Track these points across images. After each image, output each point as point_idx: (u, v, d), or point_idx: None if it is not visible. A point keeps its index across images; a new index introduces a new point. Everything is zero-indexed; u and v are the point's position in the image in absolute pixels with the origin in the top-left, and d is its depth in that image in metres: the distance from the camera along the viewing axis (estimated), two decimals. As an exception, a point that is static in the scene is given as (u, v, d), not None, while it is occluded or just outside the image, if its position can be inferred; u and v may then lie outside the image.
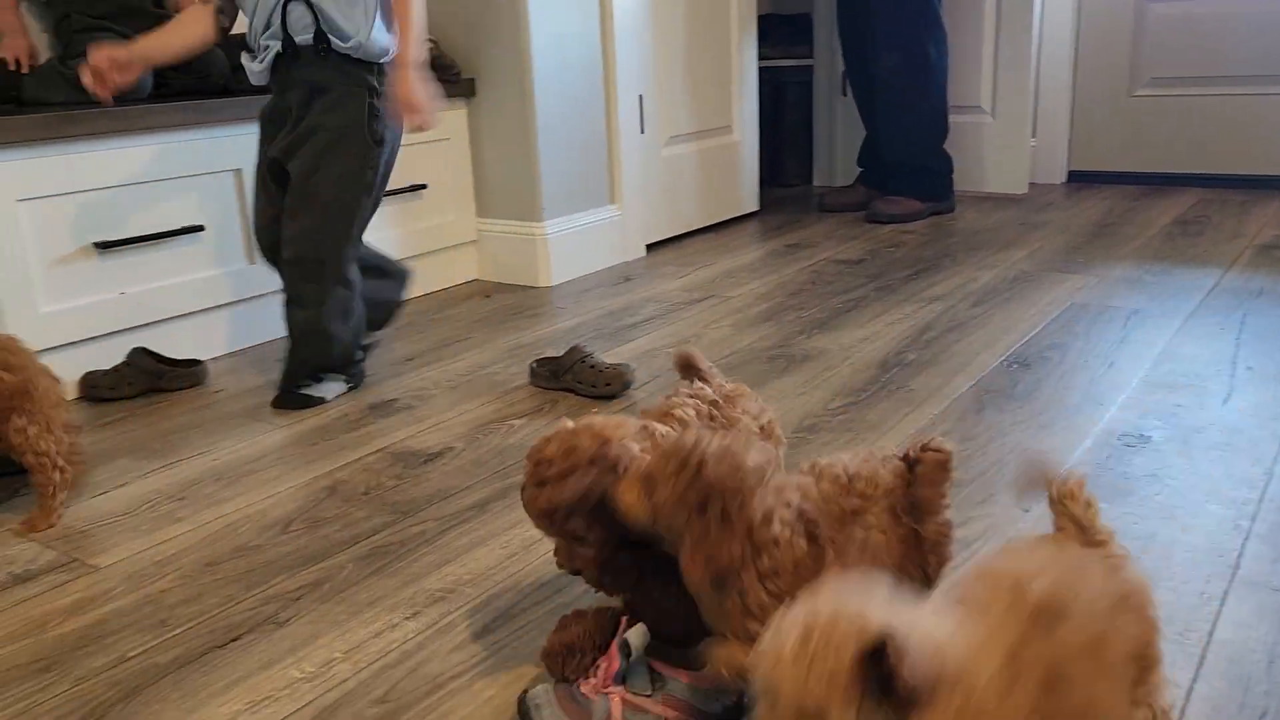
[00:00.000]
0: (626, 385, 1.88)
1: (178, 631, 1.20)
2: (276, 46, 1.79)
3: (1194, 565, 1.24)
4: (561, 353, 1.96)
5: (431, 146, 2.63)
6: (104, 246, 2.00)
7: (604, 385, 1.87)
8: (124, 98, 2.09)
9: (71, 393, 1.98)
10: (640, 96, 2.91)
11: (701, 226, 3.30)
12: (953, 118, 3.45)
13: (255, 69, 1.84)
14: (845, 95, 3.83)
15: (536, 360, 1.97)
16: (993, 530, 1.35)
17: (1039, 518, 1.37)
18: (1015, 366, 1.96)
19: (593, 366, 1.88)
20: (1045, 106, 3.80)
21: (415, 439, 1.74)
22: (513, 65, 2.62)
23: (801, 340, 2.17)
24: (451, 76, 2.64)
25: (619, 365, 1.89)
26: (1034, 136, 3.79)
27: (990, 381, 1.89)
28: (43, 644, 1.18)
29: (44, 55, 2.24)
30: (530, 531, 1.40)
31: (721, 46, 3.26)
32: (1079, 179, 3.87)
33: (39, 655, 1.16)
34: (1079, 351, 2.02)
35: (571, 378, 1.89)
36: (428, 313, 2.51)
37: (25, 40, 2.20)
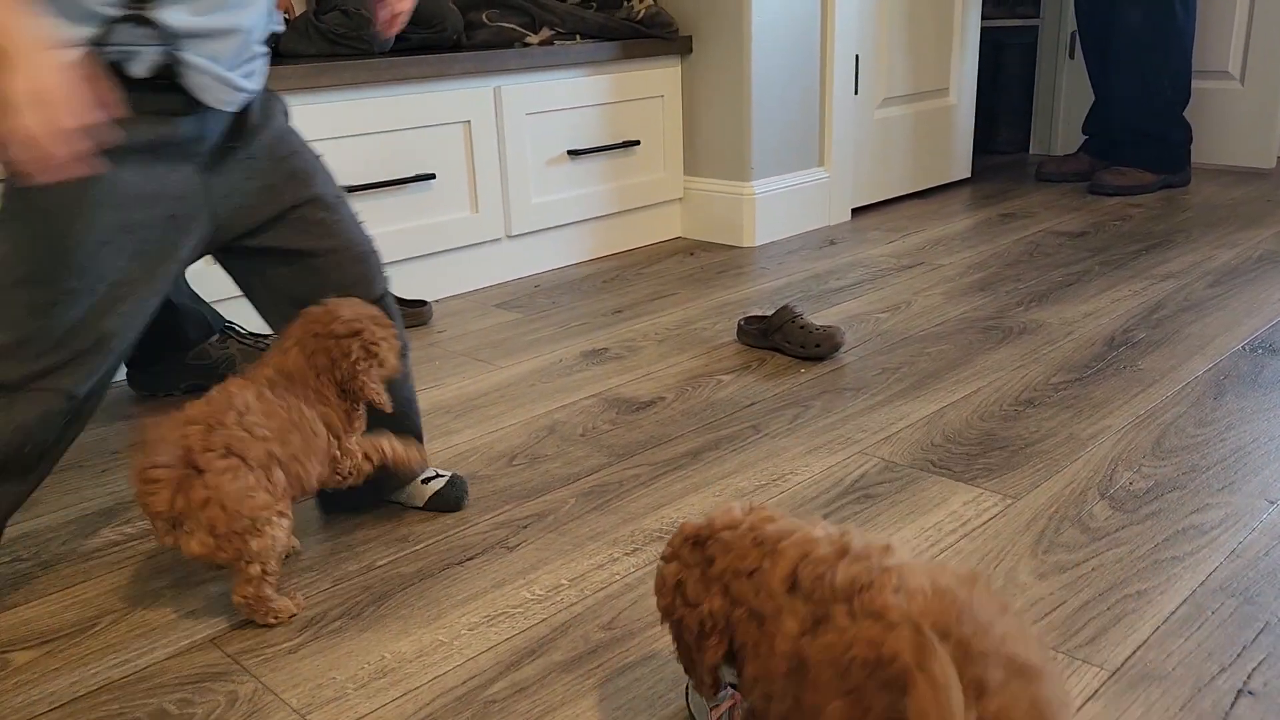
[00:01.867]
0: (837, 347, 1.87)
1: (419, 547, 1.30)
2: None
3: None
4: (770, 312, 1.97)
5: (645, 103, 2.67)
6: (348, 191, 2.15)
7: (814, 346, 1.87)
8: (369, 52, 2.24)
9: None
10: (857, 56, 2.85)
11: (910, 192, 3.21)
12: (1196, 83, 3.20)
13: None
14: (1072, 58, 3.62)
15: (744, 318, 1.99)
16: (1231, 519, 1.27)
17: (1289, 511, 1.28)
18: (1260, 352, 1.82)
19: (803, 327, 1.89)
20: (1302, 73, 3.46)
21: (627, 387, 1.79)
22: (731, 23, 2.62)
23: (1019, 312, 2.10)
24: (669, 33, 2.67)
25: (830, 326, 1.89)
26: (1286, 106, 3.47)
27: (1230, 366, 1.77)
28: (305, 547, 1.30)
29: (299, 9, 2.41)
30: (743, 482, 1.43)
31: (944, 6, 3.14)
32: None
33: (304, 555, 1.28)
34: (1335, 339, 1.86)
35: (781, 336, 1.90)
36: (634, 267, 2.56)
37: (284, -5, 2.38)
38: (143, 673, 1.07)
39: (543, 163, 2.49)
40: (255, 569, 1.10)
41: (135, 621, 1.16)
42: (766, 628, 0.74)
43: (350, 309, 1.19)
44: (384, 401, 1.20)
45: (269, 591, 1.12)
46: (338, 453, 1.19)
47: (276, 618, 1.13)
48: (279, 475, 1.10)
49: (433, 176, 2.28)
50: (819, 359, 1.88)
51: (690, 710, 0.96)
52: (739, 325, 1.99)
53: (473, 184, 2.36)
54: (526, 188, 2.46)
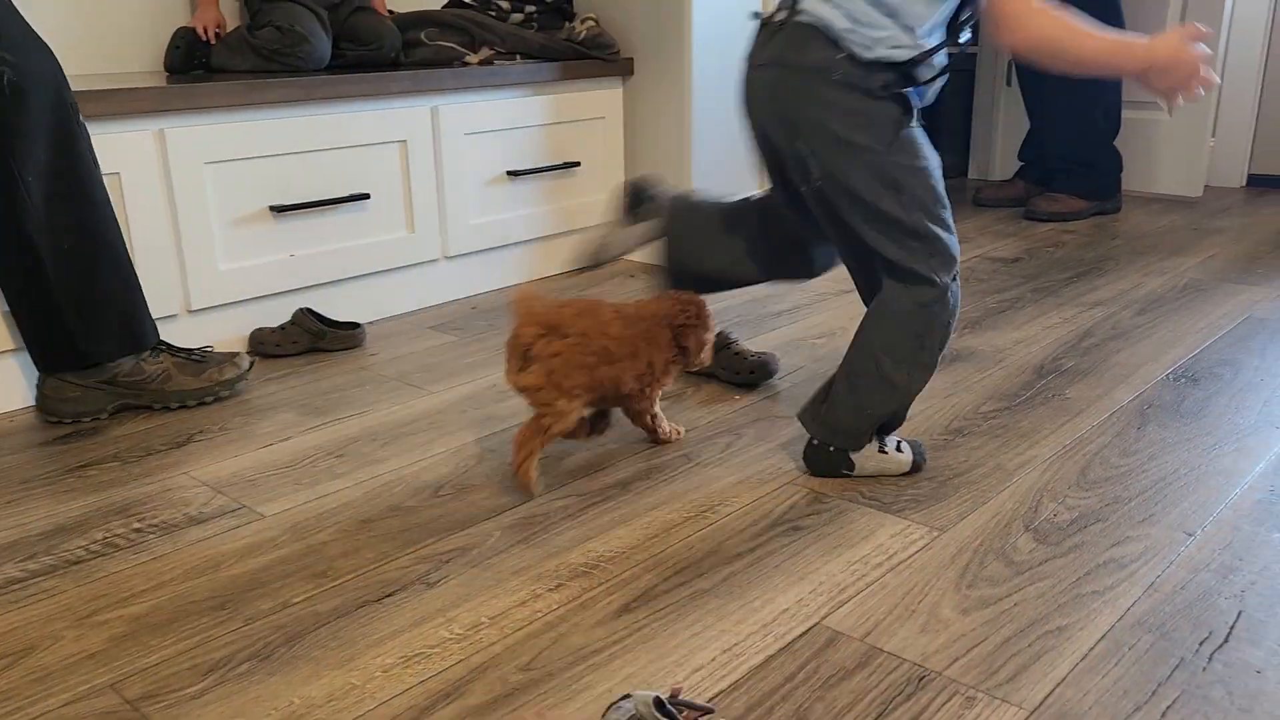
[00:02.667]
0: (770, 375, 1.87)
1: (337, 583, 1.26)
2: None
3: (1380, 610, 1.16)
4: (706, 337, 1.97)
5: (586, 125, 2.66)
6: (279, 210, 2.10)
7: (748, 373, 1.86)
8: (301, 69, 2.20)
9: (240, 347, 2.10)
10: (796, 81, 2.87)
11: (849, 216, 3.23)
12: (1126, 113, 3.28)
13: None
14: (1010, 85, 3.68)
15: None
16: (1150, 552, 1.29)
17: (1202, 542, 1.30)
18: (1183, 381, 1.86)
19: (737, 353, 1.88)
20: (1228, 104, 3.57)
21: (560, 414, 1.77)
22: (672, 45, 2.62)
23: (953, 339, 2.11)
24: (610, 55, 2.67)
25: (764, 354, 1.89)
26: (1213, 136, 3.57)
27: (1154, 395, 1.80)
28: (216, 583, 1.26)
29: (231, 25, 2.36)
30: (670, 514, 1.42)
31: (882, 32, 3.18)
32: (1261, 183, 3.62)
33: (214, 593, 1.24)
34: (1254, 369, 1.90)
35: (715, 363, 1.90)
36: (574, 289, 2.55)
37: (215, 12, 2.33)
38: (36, 721, 1.02)
39: (481, 183, 2.47)
40: (548, 421, 1.45)
41: (31, 666, 1.11)
42: None
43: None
44: (701, 359, 1.59)
45: (538, 448, 1.46)
46: (644, 389, 1.55)
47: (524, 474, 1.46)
48: (602, 373, 1.47)
49: (367, 196, 2.25)
50: (752, 386, 1.87)
51: None
52: None
53: (409, 204, 2.33)
54: (465, 208, 2.44)
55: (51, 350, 1.73)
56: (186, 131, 1.95)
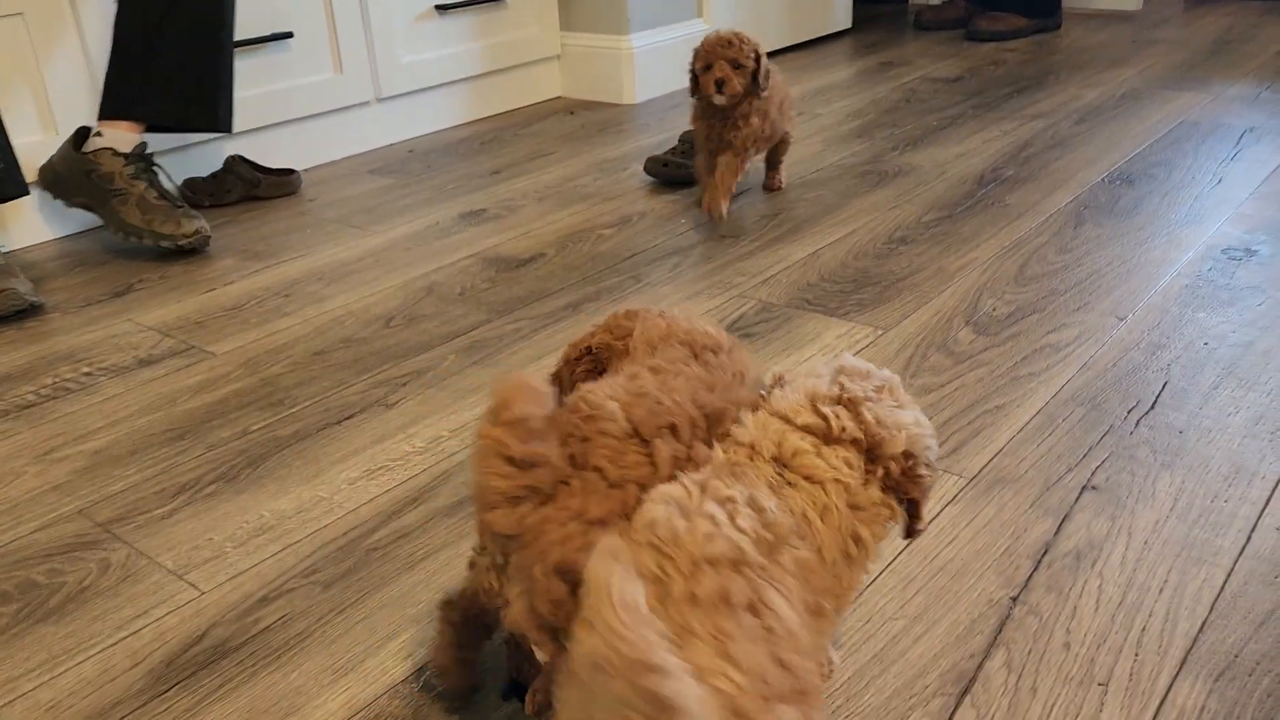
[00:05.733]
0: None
1: (294, 410, 1.27)
2: None
3: (1294, 372, 1.23)
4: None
5: (515, -46, 2.55)
6: (198, 52, 2.01)
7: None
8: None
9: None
10: (731, -100, 2.76)
11: (791, 44, 3.18)
12: (1065, -76, 3.21)
13: None
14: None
15: (649, 158, 2.05)
16: (1085, 336, 1.34)
17: (1132, 325, 1.36)
18: (1118, 183, 1.89)
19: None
20: (1168, -87, 3.50)
21: (506, 245, 1.77)
22: None
23: (894, 157, 2.12)
24: (535, -123, 2.53)
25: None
26: (1152, -53, 3.52)
27: (1091, 197, 1.83)
28: (173, 416, 1.27)
29: None
30: (623, 329, 1.44)
31: None
32: (1198, -5, 3.60)
33: (172, 425, 1.25)
34: (1187, 169, 1.94)
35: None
36: (512, 128, 2.49)
37: None
38: (7, 549, 1.04)
39: (409, 19, 2.37)
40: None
41: (-4, 500, 1.12)
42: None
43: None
44: None
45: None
46: None
47: None
48: None
49: (290, 35, 2.15)
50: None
51: None
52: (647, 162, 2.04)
53: (335, 43, 2.24)
54: (393, 46, 2.35)
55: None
56: (90, -32, 1.84)
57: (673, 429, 0.68)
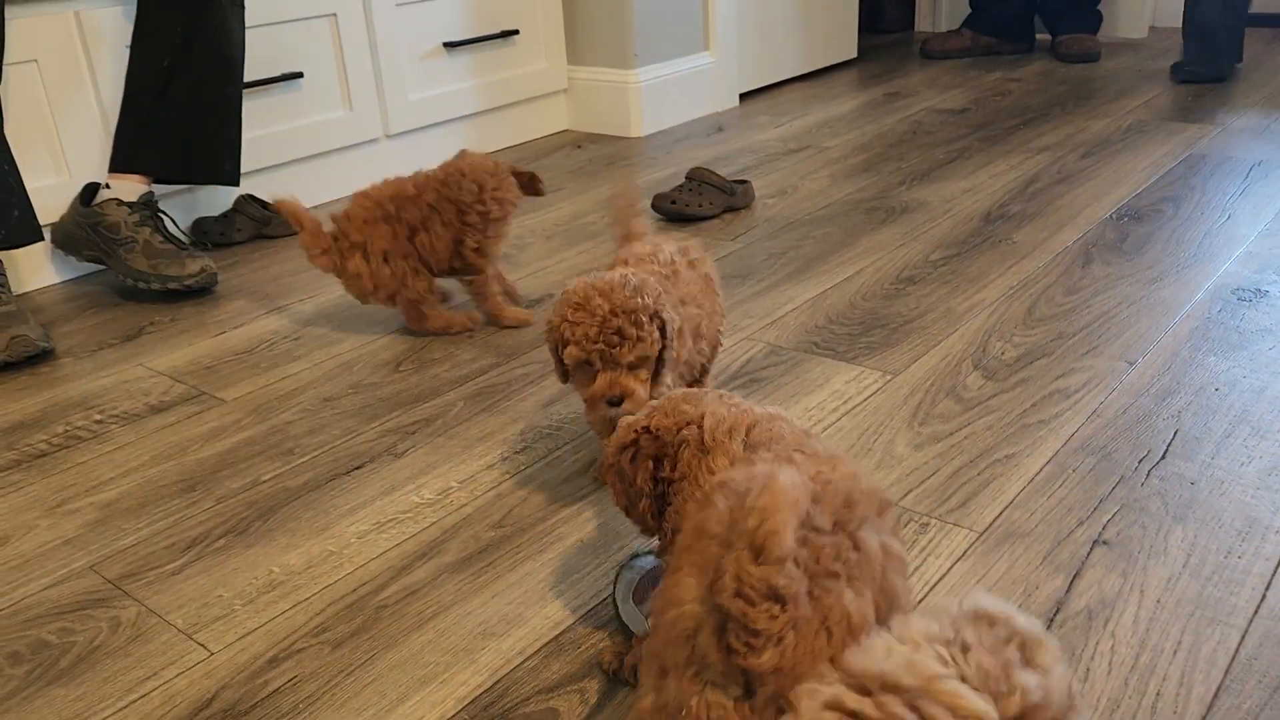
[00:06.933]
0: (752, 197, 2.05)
1: (304, 459, 1.28)
2: None
3: (1306, 420, 1.22)
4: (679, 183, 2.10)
5: (523, -10, 2.57)
6: (209, 94, 2.03)
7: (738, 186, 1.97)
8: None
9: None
10: (737, -66, 2.78)
11: (796, 75, 3.19)
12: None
13: None
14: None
15: (656, 195, 2.06)
16: (1094, 381, 1.34)
17: (1142, 369, 1.35)
18: (1126, 220, 1.89)
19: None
20: (1172, -59, 3.52)
21: (517, 286, 1.77)
22: (605, -98, 2.52)
23: (901, 192, 2.12)
24: (542, -85, 2.56)
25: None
26: (1157, -25, 3.53)
27: (1098, 235, 1.83)
28: (185, 466, 1.27)
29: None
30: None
31: (823, -122, 3.07)
32: (1204, 22, 3.61)
33: (183, 476, 1.25)
34: (1195, 204, 1.94)
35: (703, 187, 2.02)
36: (520, 162, 2.50)
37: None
38: (18, 606, 1.04)
39: (418, 57, 2.39)
40: None
41: (7, 555, 1.12)
42: (705, 461, 0.76)
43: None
44: None
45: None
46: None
47: None
48: None
49: (300, 75, 2.17)
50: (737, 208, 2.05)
51: (620, 617, 0.95)
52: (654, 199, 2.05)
53: (344, 81, 2.26)
54: (402, 84, 2.37)
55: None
56: (105, 13, 1.86)
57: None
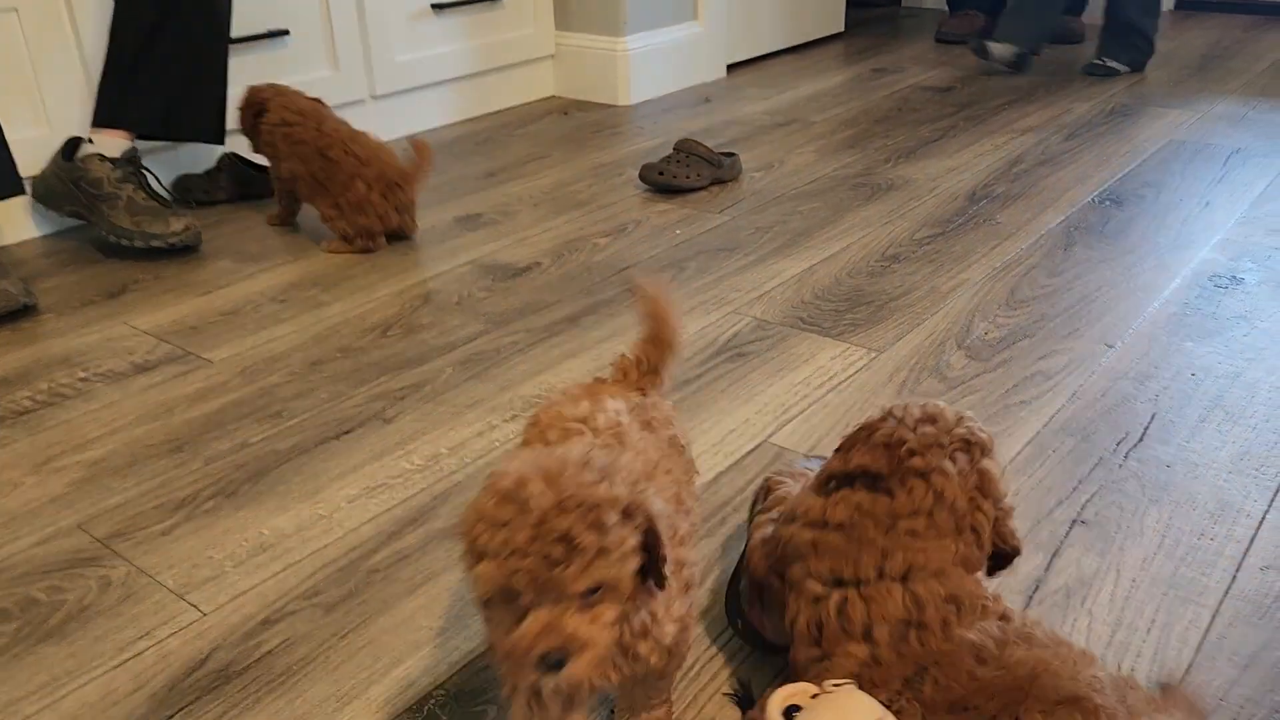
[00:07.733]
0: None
1: (293, 422, 1.28)
2: None
3: (1275, 405, 1.25)
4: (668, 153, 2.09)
5: (512, -48, 2.54)
6: (193, 48, 1.99)
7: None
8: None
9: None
10: (729, -97, 2.76)
11: (785, 48, 3.18)
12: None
13: None
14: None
15: (644, 164, 2.05)
16: (1074, 363, 1.36)
17: (1122, 353, 1.38)
18: (1108, 203, 1.92)
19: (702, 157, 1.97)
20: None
21: (503, 252, 1.77)
22: None
23: (887, 169, 2.14)
24: (534, -124, 2.52)
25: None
26: (1144, -42, 3.54)
27: (1080, 218, 1.85)
28: (171, 427, 1.27)
29: None
30: (620, 346, 1.44)
31: None
32: (1187, 6, 3.63)
33: (170, 436, 1.25)
34: (1174, 190, 1.97)
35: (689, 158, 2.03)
36: (507, 128, 2.49)
37: None
38: (6, 564, 1.04)
39: (405, 17, 2.36)
40: None
41: (-6, 512, 1.12)
42: None
43: None
44: None
45: None
46: None
47: None
48: None
49: (286, 33, 2.14)
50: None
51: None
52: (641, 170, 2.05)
53: (331, 40, 2.23)
54: (389, 44, 2.34)
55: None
56: (85, -38, 1.83)
57: None
